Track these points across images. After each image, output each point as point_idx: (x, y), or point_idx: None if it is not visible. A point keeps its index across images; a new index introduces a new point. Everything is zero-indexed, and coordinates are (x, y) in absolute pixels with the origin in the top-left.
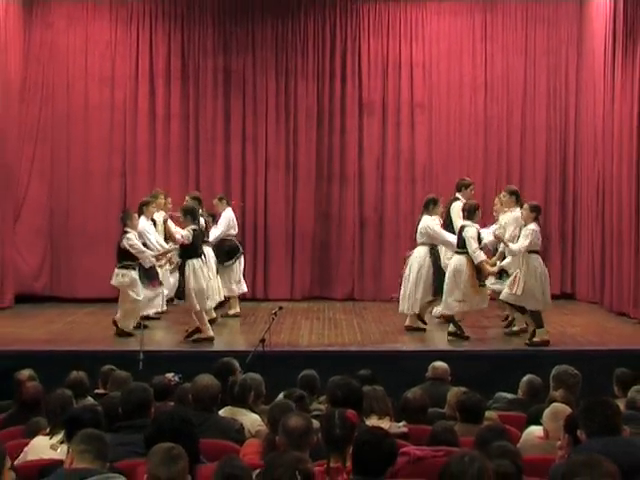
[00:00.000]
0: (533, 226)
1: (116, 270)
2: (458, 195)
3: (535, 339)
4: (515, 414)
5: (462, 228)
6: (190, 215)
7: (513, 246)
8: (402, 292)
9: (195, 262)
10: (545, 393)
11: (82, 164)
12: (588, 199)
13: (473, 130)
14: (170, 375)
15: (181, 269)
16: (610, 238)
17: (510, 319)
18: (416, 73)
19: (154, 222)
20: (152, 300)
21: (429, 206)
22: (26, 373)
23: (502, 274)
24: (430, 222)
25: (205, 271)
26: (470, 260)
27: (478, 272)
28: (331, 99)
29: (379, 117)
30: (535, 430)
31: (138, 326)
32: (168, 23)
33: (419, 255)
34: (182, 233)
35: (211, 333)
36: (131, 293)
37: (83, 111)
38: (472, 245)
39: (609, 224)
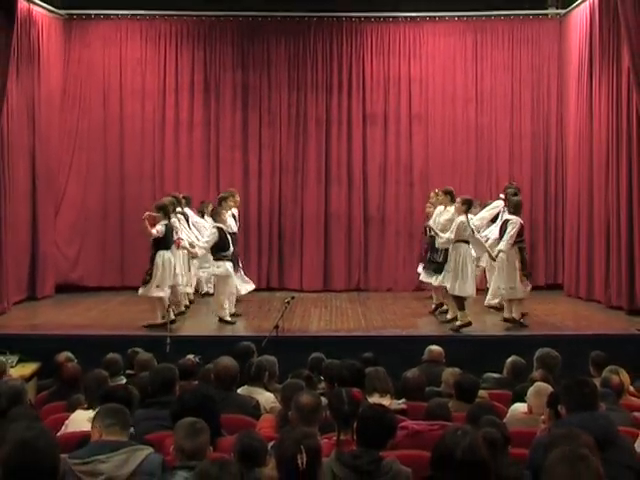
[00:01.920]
0: (462, 218)
1: (213, 262)
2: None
3: (458, 322)
4: (502, 392)
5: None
6: (163, 211)
7: (443, 236)
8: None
9: (165, 253)
10: (527, 373)
11: (116, 168)
12: (569, 198)
13: (465, 138)
14: (191, 356)
15: (152, 260)
16: (586, 233)
17: (440, 305)
18: (414, 87)
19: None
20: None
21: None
22: (64, 355)
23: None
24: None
25: (174, 262)
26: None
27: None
28: (338, 110)
29: (381, 127)
30: (520, 406)
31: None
32: (192, 42)
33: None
34: (157, 228)
35: (161, 319)
36: (229, 281)
37: (117, 121)
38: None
39: (585, 221)
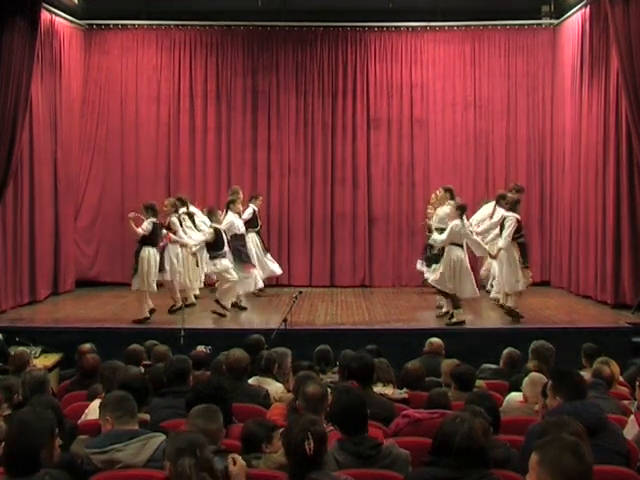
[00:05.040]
0: (457, 221)
1: (209, 261)
2: (509, 194)
3: (453, 319)
4: (498, 382)
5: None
6: (151, 210)
7: (437, 238)
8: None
9: (150, 249)
10: (522, 364)
11: (133, 170)
12: (562, 199)
13: (464, 141)
14: (201, 347)
15: (137, 254)
16: (577, 232)
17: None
18: (415, 93)
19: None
20: (244, 281)
21: (500, 201)
22: (87, 346)
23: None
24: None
25: (157, 258)
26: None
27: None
28: (343, 114)
29: (384, 130)
30: (515, 396)
31: (234, 305)
32: (205, 50)
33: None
34: (143, 226)
35: (147, 314)
36: (227, 276)
37: (133, 126)
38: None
39: (577, 220)
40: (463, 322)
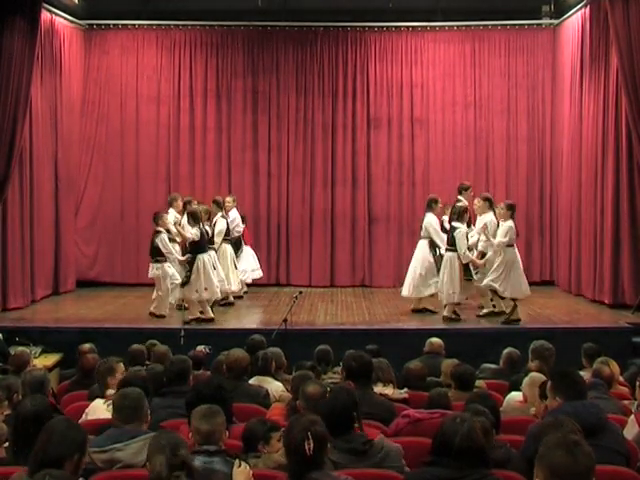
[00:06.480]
0: (511, 223)
1: (151, 264)
2: (460, 197)
3: (511, 317)
4: (498, 382)
5: (453, 229)
6: (193, 217)
7: (494, 241)
8: (406, 280)
9: (204, 257)
10: (522, 364)
11: (133, 170)
12: (563, 199)
13: (464, 141)
14: (202, 347)
15: (191, 262)
16: (577, 232)
17: (481, 304)
18: (415, 93)
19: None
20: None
21: (432, 205)
22: (87, 346)
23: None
24: (432, 220)
25: (211, 264)
26: (459, 257)
27: (465, 268)
28: (343, 114)
29: (384, 130)
30: (515, 396)
31: (180, 307)
32: (205, 50)
33: (422, 247)
34: (191, 231)
35: (212, 314)
36: (167, 281)
37: (133, 126)
38: (462, 246)
39: (577, 220)
40: (518, 320)
